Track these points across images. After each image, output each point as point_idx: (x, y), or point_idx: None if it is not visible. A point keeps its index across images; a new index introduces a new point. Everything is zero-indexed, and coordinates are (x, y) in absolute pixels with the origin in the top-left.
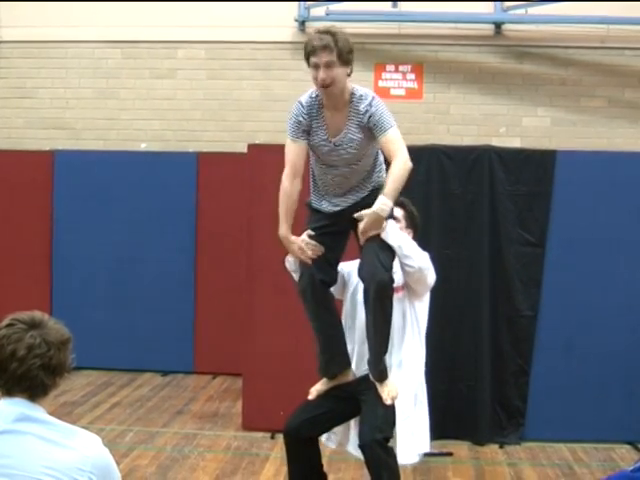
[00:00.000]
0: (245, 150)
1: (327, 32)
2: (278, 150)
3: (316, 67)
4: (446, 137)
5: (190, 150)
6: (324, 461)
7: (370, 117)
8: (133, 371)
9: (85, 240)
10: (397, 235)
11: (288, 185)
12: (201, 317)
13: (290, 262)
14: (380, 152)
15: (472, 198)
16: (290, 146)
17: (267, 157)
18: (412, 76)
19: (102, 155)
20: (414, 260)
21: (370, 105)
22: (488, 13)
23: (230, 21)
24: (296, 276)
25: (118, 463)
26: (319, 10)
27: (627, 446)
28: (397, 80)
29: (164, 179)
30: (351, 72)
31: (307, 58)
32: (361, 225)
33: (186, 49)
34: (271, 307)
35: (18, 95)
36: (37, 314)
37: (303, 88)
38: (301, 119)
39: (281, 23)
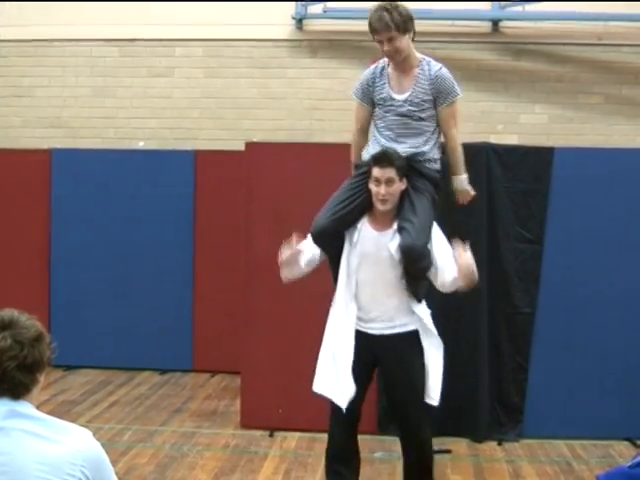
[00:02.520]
0: (243, 148)
1: (383, 8)
2: (276, 148)
3: (380, 43)
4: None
5: (188, 148)
6: None
7: (440, 82)
8: (131, 369)
9: (83, 238)
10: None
11: (358, 139)
12: (199, 315)
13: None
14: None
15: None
16: (358, 107)
17: (265, 155)
18: None
19: (100, 153)
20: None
21: (440, 73)
22: (485, 10)
23: (227, 19)
24: (288, 271)
25: (116, 462)
26: (316, 8)
27: (625, 442)
28: None
29: (162, 177)
30: (414, 36)
31: (372, 35)
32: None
33: (183, 47)
34: (270, 305)
35: (15, 94)
36: (6, 313)
37: (301, 86)
38: (367, 85)
39: (278, 21)
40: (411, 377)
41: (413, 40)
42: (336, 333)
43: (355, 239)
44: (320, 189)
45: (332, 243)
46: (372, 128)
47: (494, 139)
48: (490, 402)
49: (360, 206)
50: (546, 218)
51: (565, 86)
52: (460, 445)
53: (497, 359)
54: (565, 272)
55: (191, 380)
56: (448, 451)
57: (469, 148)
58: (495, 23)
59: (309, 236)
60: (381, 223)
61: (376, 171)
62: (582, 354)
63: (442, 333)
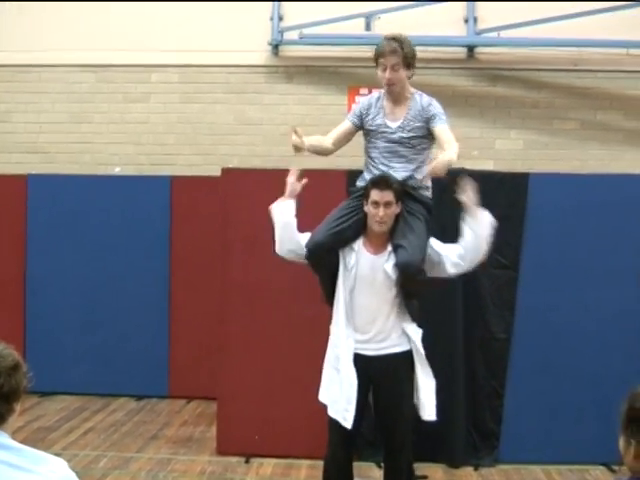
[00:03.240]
0: (219, 174)
1: (394, 39)
2: (252, 174)
3: (384, 68)
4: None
5: (164, 174)
6: None
7: (430, 109)
8: (107, 396)
9: (59, 264)
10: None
11: (326, 138)
12: (175, 341)
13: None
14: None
15: (445, 222)
16: (345, 123)
17: (241, 181)
18: None
19: (76, 179)
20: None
21: (431, 102)
22: (461, 36)
23: (203, 45)
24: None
25: None
26: (293, 34)
27: (602, 467)
28: None
29: (138, 203)
30: (412, 75)
31: (376, 59)
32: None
33: (160, 73)
34: (245, 331)
35: None
36: None
37: (277, 112)
38: (360, 112)
39: (255, 47)
40: (401, 401)
41: (409, 78)
42: (339, 354)
43: (353, 261)
44: (297, 214)
45: (327, 260)
46: (365, 158)
47: (470, 165)
48: (466, 427)
49: (356, 225)
50: (521, 244)
51: (540, 112)
52: (436, 470)
53: (473, 384)
54: (540, 298)
55: (167, 406)
56: (424, 477)
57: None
58: (470, 49)
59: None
60: (375, 245)
61: (375, 194)
62: (557, 379)
63: None
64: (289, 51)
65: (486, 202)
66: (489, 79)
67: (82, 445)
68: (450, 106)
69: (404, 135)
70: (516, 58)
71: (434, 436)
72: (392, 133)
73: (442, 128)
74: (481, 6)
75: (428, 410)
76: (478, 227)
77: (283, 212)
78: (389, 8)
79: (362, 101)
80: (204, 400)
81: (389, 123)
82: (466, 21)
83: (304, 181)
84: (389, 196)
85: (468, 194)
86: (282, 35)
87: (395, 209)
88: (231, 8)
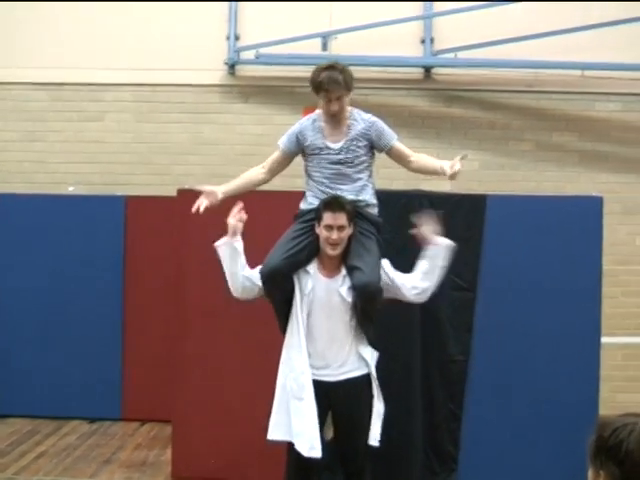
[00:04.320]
0: (174, 194)
1: (333, 67)
2: None
3: (329, 101)
4: (375, 181)
5: (118, 194)
6: None
7: (376, 127)
8: (59, 418)
9: (10, 284)
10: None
11: (257, 168)
12: (129, 363)
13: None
14: (373, 178)
15: (403, 244)
16: (277, 154)
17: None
18: None
19: (29, 198)
20: None
21: (374, 121)
22: (417, 57)
23: (159, 64)
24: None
25: None
26: (249, 53)
27: None
28: None
29: (92, 223)
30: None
31: (317, 91)
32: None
33: (114, 92)
34: (202, 353)
35: None
36: None
37: (233, 132)
38: (295, 136)
39: (210, 66)
40: (362, 426)
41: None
42: (304, 383)
43: (310, 286)
44: (254, 236)
45: (282, 286)
46: (306, 180)
47: (426, 186)
48: (424, 450)
49: (309, 248)
50: (479, 266)
51: (496, 133)
52: None
53: (430, 407)
54: (498, 319)
55: (120, 429)
56: None
57: (401, 196)
58: (427, 70)
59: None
60: (329, 269)
61: (328, 216)
62: (516, 401)
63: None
64: (245, 71)
65: (444, 224)
66: (445, 100)
67: (34, 470)
68: (406, 126)
69: (348, 155)
70: (473, 79)
71: (391, 459)
72: (335, 154)
73: (397, 149)
74: (438, 27)
75: (373, 435)
76: (437, 257)
77: (229, 252)
78: (346, 28)
79: (295, 127)
80: (158, 423)
81: (330, 144)
82: (423, 42)
83: (244, 217)
84: (342, 219)
85: (426, 227)
86: (238, 54)
87: (348, 231)
88: (187, 27)
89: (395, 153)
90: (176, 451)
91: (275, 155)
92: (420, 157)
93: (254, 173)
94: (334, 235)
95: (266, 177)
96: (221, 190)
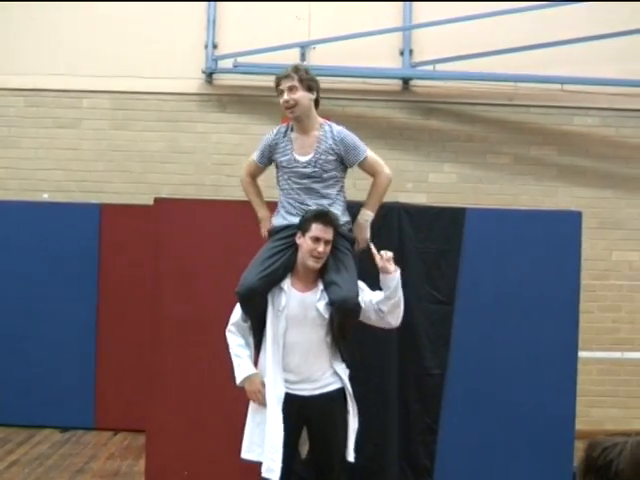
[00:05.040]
0: (150, 202)
1: (291, 66)
2: (185, 204)
3: (281, 93)
4: (353, 192)
5: (93, 201)
6: None
7: (346, 142)
8: (31, 427)
9: None
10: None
11: (247, 178)
12: (101, 372)
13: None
14: (345, 193)
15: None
16: (252, 164)
17: (174, 211)
18: None
19: (2, 205)
20: None
21: (344, 135)
22: (396, 69)
23: (136, 71)
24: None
25: None
26: (227, 62)
27: None
28: None
29: (66, 231)
30: (317, 100)
31: (276, 89)
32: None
33: (91, 99)
34: (177, 363)
35: None
36: None
37: (209, 140)
38: (268, 147)
39: (188, 75)
40: (338, 440)
41: (317, 107)
42: (267, 401)
43: (284, 302)
44: (230, 246)
45: (258, 305)
46: (279, 193)
47: (403, 198)
48: (399, 464)
49: (285, 264)
50: (457, 279)
51: (474, 146)
52: None
53: (406, 420)
54: (475, 333)
55: (93, 438)
56: None
57: (380, 208)
58: (406, 82)
59: (235, 318)
60: (305, 283)
61: (318, 229)
62: (492, 415)
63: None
64: (223, 79)
65: (422, 237)
66: (424, 112)
67: (6, 479)
68: (384, 138)
69: (316, 169)
70: (451, 91)
71: (367, 473)
72: (303, 167)
73: (369, 160)
74: (417, 39)
75: (351, 450)
76: (395, 282)
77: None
78: (325, 39)
79: (267, 137)
80: (131, 432)
81: (298, 157)
82: (402, 53)
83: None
84: (330, 233)
85: (383, 256)
86: (216, 63)
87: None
88: (165, 35)
89: (363, 169)
90: (149, 461)
91: (249, 166)
92: (379, 181)
93: (250, 180)
94: (320, 248)
95: (256, 184)
96: (265, 216)
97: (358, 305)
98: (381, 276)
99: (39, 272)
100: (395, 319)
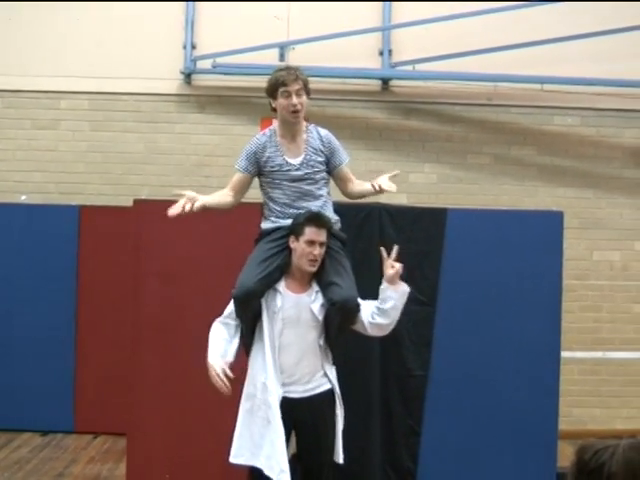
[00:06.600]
0: (129, 204)
1: (290, 68)
2: (166, 206)
3: (288, 95)
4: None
5: (72, 203)
6: None
7: (332, 143)
8: (10, 431)
9: None
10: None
11: (224, 191)
12: (81, 375)
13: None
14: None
15: (362, 257)
16: (238, 176)
17: (154, 212)
18: None
19: None
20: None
21: (329, 137)
22: (375, 69)
23: (115, 72)
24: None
25: None
26: (206, 63)
27: None
28: None
29: (45, 233)
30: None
31: (275, 90)
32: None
33: (69, 100)
34: (158, 365)
35: None
36: None
37: (188, 141)
38: (254, 153)
39: (167, 75)
40: (328, 442)
41: None
42: (271, 404)
43: (279, 304)
44: (210, 247)
45: (254, 307)
46: (264, 202)
47: (384, 198)
48: (382, 466)
49: (280, 267)
50: (439, 280)
51: (454, 146)
52: None
53: (389, 422)
54: (458, 334)
55: (73, 442)
56: None
57: (361, 209)
58: (385, 82)
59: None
60: (299, 284)
61: (312, 232)
62: (475, 417)
63: None
64: (202, 80)
65: (404, 237)
66: (403, 112)
67: None
68: (364, 138)
69: (308, 171)
70: (431, 92)
71: (350, 475)
72: (295, 170)
73: (346, 170)
74: (396, 39)
75: (338, 452)
76: (398, 299)
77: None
78: (304, 39)
79: (251, 143)
80: (111, 435)
81: (290, 160)
82: (381, 53)
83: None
84: (324, 235)
85: (396, 266)
86: (195, 64)
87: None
88: (144, 35)
89: (342, 174)
90: (130, 465)
91: (235, 177)
92: (359, 181)
93: (223, 195)
94: (316, 251)
95: (234, 200)
96: (203, 199)
97: (358, 305)
98: (386, 286)
99: (17, 274)
100: (382, 333)
